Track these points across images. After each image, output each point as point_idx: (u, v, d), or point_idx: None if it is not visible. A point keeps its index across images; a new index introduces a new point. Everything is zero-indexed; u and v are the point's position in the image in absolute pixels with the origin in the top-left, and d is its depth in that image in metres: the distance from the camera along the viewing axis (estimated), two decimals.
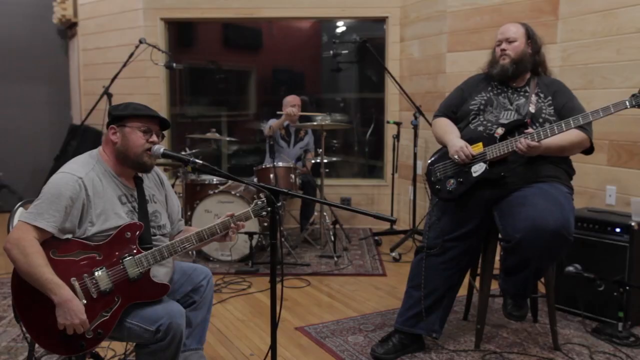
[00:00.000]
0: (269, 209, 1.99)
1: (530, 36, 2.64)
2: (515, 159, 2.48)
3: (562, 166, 2.56)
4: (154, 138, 2.04)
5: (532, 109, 2.54)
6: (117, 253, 1.93)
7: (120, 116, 2.02)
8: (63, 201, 1.86)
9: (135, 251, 1.95)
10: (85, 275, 1.88)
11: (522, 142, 2.38)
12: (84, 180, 1.93)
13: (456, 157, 2.53)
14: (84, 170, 1.96)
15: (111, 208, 1.97)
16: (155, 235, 2.08)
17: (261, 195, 2.07)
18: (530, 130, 2.43)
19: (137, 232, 1.97)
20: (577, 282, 3.01)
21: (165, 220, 2.17)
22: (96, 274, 1.89)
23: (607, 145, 3.53)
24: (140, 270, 1.93)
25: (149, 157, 2.04)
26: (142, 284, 1.94)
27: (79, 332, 1.83)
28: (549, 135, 2.38)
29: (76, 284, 1.86)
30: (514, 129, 2.49)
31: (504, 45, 2.62)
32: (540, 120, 2.52)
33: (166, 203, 2.23)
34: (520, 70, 2.61)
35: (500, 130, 2.50)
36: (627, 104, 2.33)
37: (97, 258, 1.90)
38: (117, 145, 2.02)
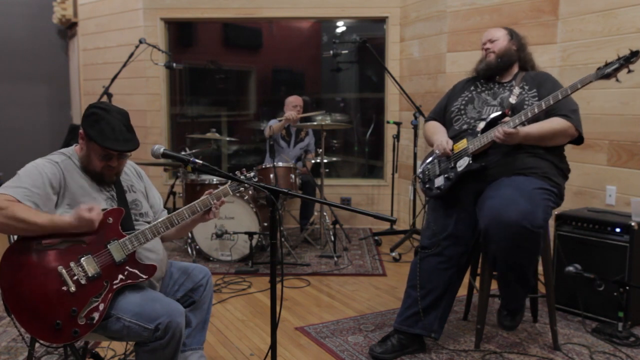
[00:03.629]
0: (245, 185, 2.05)
1: (512, 36, 2.74)
2: (495, 150, 2.51)
3: (547, 158, 2.54)
4: (114, 163, 2.03)
5: (512, 99, 2.58)
6: (101, 239, 1.95)
7: (86, 132, 2.00)
8: (39, 177, 1.90)
9: (119, 236, 1.97)
10: (72, 262, 1.89)
11: (499, 130, 2.42)
12: (60, 164, 1.98)
13: (437, 151, 2.63)
14: (59, 158, 2.01)
15: (89, 194, 2.00)
16: (138, 221, 2.11)
17: (243, 170, 2.10)
18: (507, 119, 2.47)
19: (120, 217, 1.99)
20: (577, 282, 3.01)
21: (146, 208, 2.20)
22: (82, 260, 1.90)
23: (607, 145, 3.53)
24: (126, 254, 1.96)
25: (109, 176, 2.06)
26: (129, 267, 1.97)
27: (98, 217, 1.87)
28: (523, 119, 2.40)
29: (63, 272, 1.87)
30: (495, 120, 2.52)
31: (487, 45, 2.73)
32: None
33: (147, 195, 2.26)
34: (505, 62, 2.67)
35: (481, 125, 2.55)
36: (593, 77, 2.32)
37: (82, 245, 1.92)
38: (82, 154, 2.04)
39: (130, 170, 2.23)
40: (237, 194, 2.17)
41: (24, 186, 1.87)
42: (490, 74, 2.70)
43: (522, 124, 2.42)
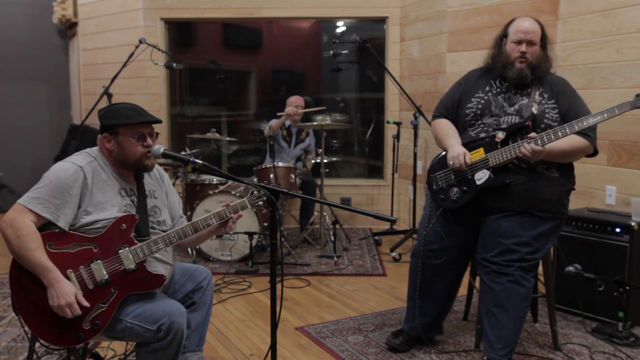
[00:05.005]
0: (264, 198, 2.03)
1: (543, 37, 2.54)
2: (518, 165, 2.41)
3: (561, 181, 2.46)
4: (149, 141, 2.05)
5: (534, 110, 2.44)
6: (113, 245, 1.94)
7: (111, 125, 2.02)
8: (61, 187, 1.89)
9: (130, 243, 1.96)
10: (82, 266, 1.89)
11: (526, 147, 2.30)
12: (84, 169, 1.96)
13: (451, 162, 2.47)
14: (85, 160, 2.00)
15: (109, 199, 1.99)
16: (154, 229, 2.09)
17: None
18: (533, 134, 2.35)
19: (133, 224, 1.98)
20: (577, 282, 3.01)
21: (165, 216, 2.18)
22: (92, 265, 1.90)
23: (607, 145, 3.53)
24: (136, 262, 1.95)
25: (148, 159, 2.06)
26: (138, 275, 1.96)
27: (67, 315, 1.83)
28: (553, 139, 2.31)
29: (72, 275, 1.87)
30: (515, 132, 2.42)
31: (524, 47, 2.47)
32: (542, 125, 2.43)
33: (167, 200, 2.24)
34: (536, 76, 2.49)
35: (501, 135, 2.42)
36: (631, 105, 2.28)
37: (94, 250, 1.92)
38: (114, 154, 2.03)
39: (154, 173, 2.21)
40: (254, 209, 2.16)
41: (43, 197, 1.88)
42: (518, 84, 2.50)
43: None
